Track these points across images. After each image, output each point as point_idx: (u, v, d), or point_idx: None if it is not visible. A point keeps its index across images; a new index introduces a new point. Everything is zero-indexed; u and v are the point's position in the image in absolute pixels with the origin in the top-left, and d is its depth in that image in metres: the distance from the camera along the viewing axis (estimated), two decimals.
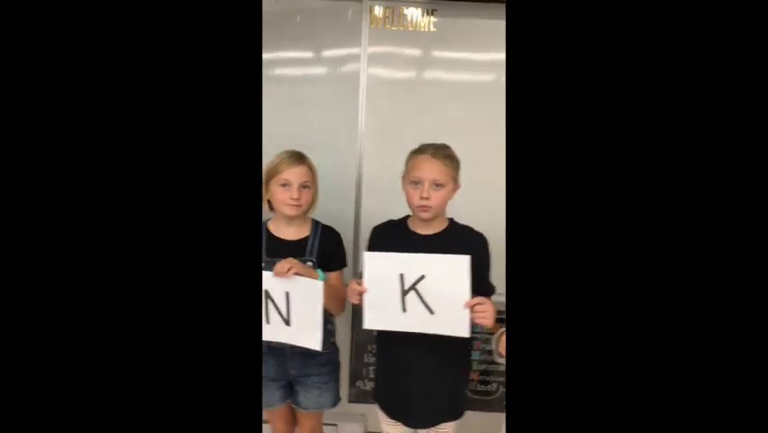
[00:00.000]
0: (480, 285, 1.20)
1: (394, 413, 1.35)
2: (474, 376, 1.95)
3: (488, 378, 1.94)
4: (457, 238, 1.25)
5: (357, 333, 1.94)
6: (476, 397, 1.96)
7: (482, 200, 1.76)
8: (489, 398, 1.94)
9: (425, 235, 1.27)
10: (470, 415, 1.95)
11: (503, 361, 1.16)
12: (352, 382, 1.98)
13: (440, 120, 1.75)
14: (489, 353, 1.88)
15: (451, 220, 1.31)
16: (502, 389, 1.94)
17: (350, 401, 1.97)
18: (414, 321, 1.16)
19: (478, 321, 1.15)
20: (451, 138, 1.69)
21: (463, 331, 1.15)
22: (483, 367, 1.95)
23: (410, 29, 1.72)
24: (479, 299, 1.14)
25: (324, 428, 1.95)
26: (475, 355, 1.90)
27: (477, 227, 1.32)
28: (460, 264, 1.13)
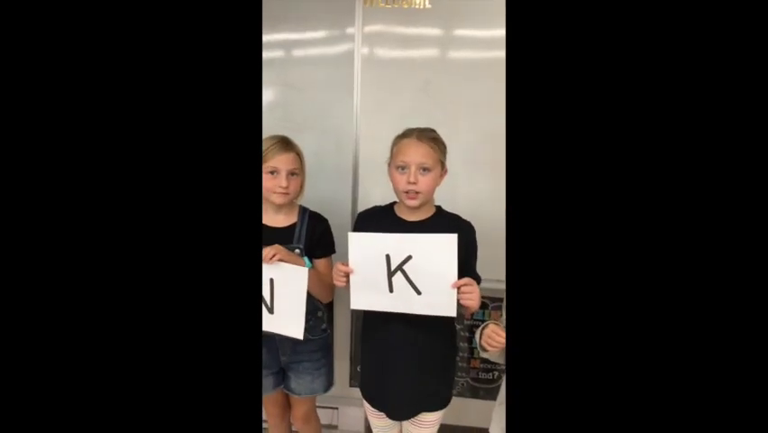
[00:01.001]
0: (467, 274, 1.16)
1: (376, 403, 1.32)
2: (475, 364, 1.91)
3: (489, 366, 1.90)
4: (444, 226, 1.19)
5: (358, 316, 1.92)
6: (477, 385, 1.92)
7: (481, 182, 1.72)
8: (491, 386, 1.90)
9: (411, 222, 1.24)
10: (471, 403, 1.93)
11: (487, 355, 1.13)
12: (353, 366, 1.96)
13: (438, 99, 1.71)
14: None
15: (438, 207, 1.28)
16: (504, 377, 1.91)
17: (351, 385, 1.96)
18: (400, 302, 1.14)
19: (463, 303, 1.12)
20: (449, 118, 1.66)
21: (450, 311, 1.11)
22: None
23: (405, 6, 1.67)
24: (466, 279, 1.11)
25: (325, 411, 1.95)
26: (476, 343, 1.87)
27: (476, 209, 1.27)
28: (448, 244, 1.09)
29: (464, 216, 1.28)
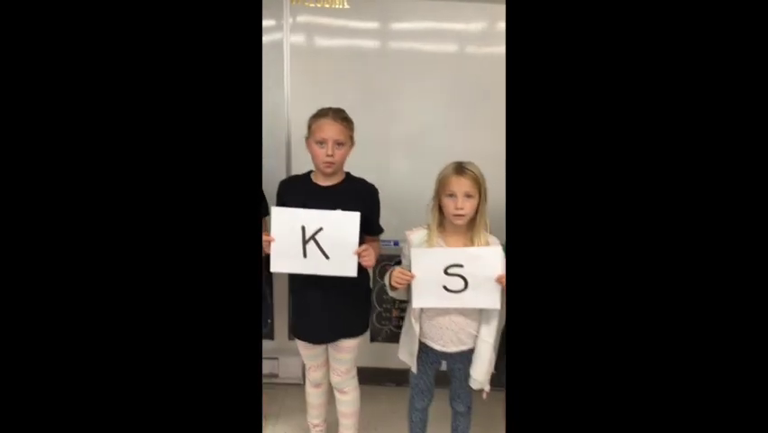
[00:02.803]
0: (371, 227, 1.48)
1: (303, 335, 1.61)
2: (396, 313, 2.23)
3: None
4: (352, 188, 1.49)
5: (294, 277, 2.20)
6: (398, 331, 2.24)
7: (398, 160, 2.01)
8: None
9: (325, 187, 1.50)
10: (393, 347, 2.25)
11: (395, 294, 1.44)
12: (291, 321, 2.25)
13: (361, 86, 1.95)
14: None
15: (347, 174, 1.54)
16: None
17: (290, 339, 2.25)
18: (312, 265, 1.41)
19: (364, 264, 1.41)
20: (373, 103, 1.92)
21: (352, 272, 1.40)
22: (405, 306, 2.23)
23: (326, 6, 1.87)
24: (364, 246, 1.39)
25: (268, 361, 2.23)
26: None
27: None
28: (351, 219, 1.37)
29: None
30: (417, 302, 1.41)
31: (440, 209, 1.43)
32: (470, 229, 1.43)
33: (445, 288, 1.38)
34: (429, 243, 1.43)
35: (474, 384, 1.49)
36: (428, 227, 1.46)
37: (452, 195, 1.38)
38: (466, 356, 1.50)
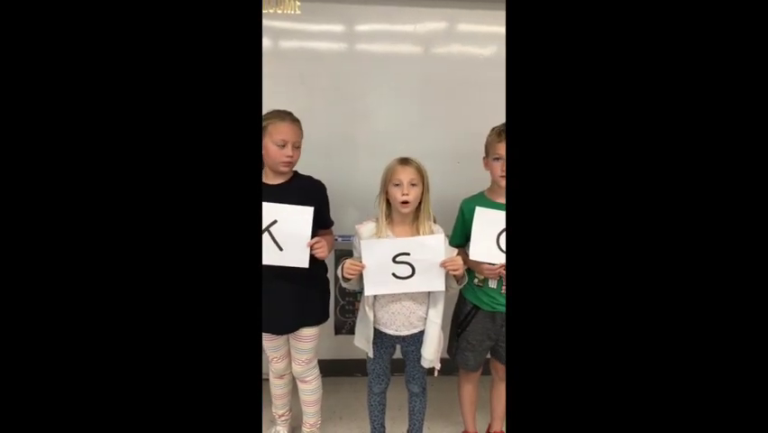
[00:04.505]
0: (323, 221, 1.60)
1: (264, 326, 1.65)
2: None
3: None
4: (301, 185, 1.59)
5: None
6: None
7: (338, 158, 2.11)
8: None
9: (276, 185, 1.58)
10: (349, 337, 2.34)
11: (347, 285, 1.52)
12: None
13: (309, 88, 2.04)
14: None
15: (295, 172, 1.63)
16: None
17: None
18: (266, 256, 1.48)
19: (317, 255, 1.50)
20: (319, 102, 2.01)
21: (304, 263, 1.49)
22: None
23: (278, 12, 1.96)
24: (316, 239, 1.49)
25: None
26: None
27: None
28: (305, 213, 1.46)
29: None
30: (369, 290, 1.50)
31: (387, 203, 1.54)
32: (415, 219, 1.54)
33: (394, 275, 1.48)
34: (378, 234, 1.52)
35: (425, 363, 1.59)
36: (376, 220, 1.56)
37: (398, 184, 1.49)
38: (418, 338, 1.60)
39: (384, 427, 1.80)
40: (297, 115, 1.57)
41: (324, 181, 1.67)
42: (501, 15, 1.93)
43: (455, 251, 1.55)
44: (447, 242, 1.53)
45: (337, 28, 2.01)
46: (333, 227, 1.72)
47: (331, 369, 2.25)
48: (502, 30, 1.98)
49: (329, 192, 1.68)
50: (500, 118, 1.65)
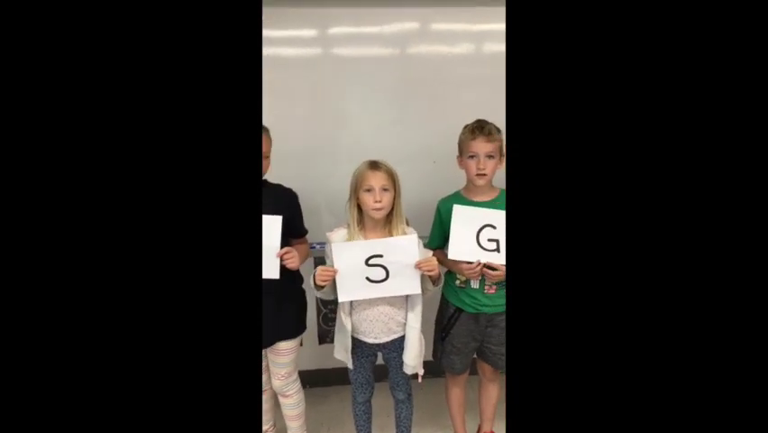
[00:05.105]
0: (296, 230, 1.57)
1: None
2: None
3: None
4: (272, 194, 1.52)
5: None
6: None
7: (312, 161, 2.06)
8: None
9: None
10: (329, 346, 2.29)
11: (320, 294, 1.47)
12: None
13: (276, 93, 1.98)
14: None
15: (265, 180, 1.57)
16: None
17: None
18: None
19: (288, 266, 1.45)
20: (294, 109, 1.96)
21: (275, 274, 1.43)
22: None
23: None
24: (285, 249, 1.44)
25: None
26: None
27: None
28: (273, 223, 1.41)
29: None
30: (343, 296, 1.45)
31: (358, 208, 1.49)
32: (387, 223, 1.49)
33: (368, 279, 1.43)
34: (350, 240, 1.48)
35: (408, 369, 1.55)
36: (348, 226, 1.51)
37: (369, 189, 1.43)
38: (398, 344, 1.55)
39: None
40: (271, 123, 1.51)
41: (301, 188, 1.61)
42: (475, 12, 1.96)
43: (429, 252, 1.51)
44: (421, 243, 1.49)
45: (309, 33, 1.96)
46: (311, 235, 1.67)
47: (316, 379, 2.21)
48: (475, 27, 2.01)
49: (306, 199, 1.63)
50: (476, 115, 1.65)
